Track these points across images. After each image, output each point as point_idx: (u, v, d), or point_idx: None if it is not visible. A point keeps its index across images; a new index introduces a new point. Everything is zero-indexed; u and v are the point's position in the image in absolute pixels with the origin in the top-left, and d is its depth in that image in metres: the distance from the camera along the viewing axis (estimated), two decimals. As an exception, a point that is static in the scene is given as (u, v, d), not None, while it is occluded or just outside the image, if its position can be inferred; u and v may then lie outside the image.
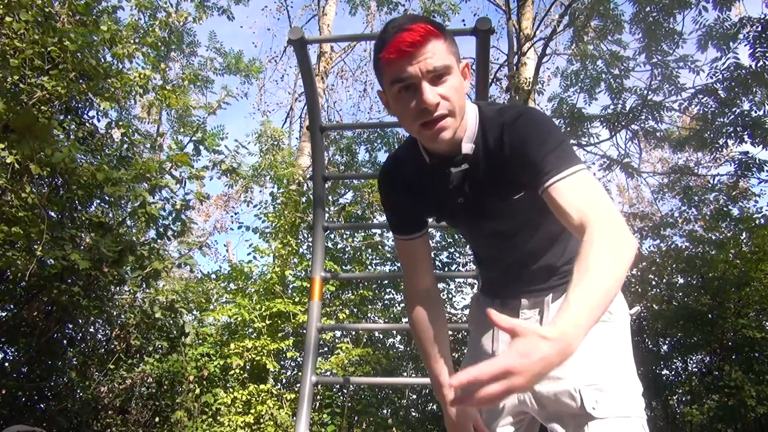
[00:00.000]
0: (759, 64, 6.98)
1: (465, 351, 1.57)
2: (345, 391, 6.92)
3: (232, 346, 6.20)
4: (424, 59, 1.13)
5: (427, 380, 1.67)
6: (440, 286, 7.54)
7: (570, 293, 0.97)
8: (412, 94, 1.16)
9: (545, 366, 0.87)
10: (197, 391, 6.12)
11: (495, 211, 1.32)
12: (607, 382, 1.23)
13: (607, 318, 1.31)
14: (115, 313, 6.15)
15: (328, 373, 6.15)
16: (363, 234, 7.62)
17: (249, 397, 5.98)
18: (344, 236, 7.64)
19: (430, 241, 1.60)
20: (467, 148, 1.25)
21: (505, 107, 1.32)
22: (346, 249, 7.75)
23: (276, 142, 10.90)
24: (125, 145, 5.50)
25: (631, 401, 1.23)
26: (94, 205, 5.43)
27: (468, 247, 7.75)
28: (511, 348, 0.87)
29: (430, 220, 1.48)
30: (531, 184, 1.19)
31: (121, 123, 5.42)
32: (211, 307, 7.11)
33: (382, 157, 10.12)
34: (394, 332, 7.37)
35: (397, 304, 7.69)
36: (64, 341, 5.78)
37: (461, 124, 1.24)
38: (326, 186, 3.24)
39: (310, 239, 7.37)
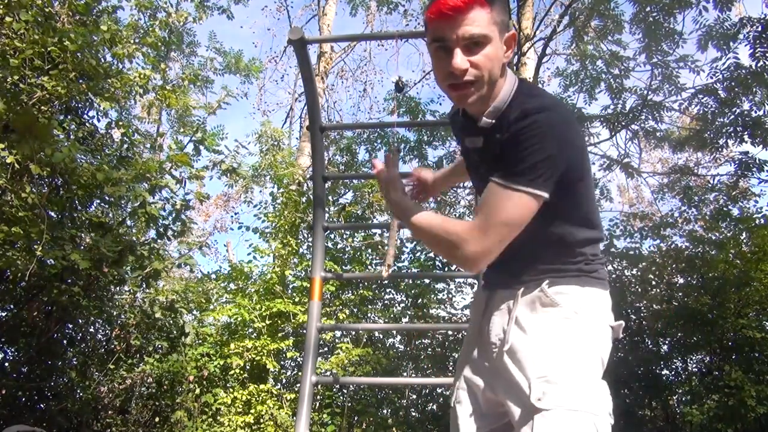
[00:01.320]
0: (759, 64, 6.98)
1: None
2: (345, 391, 6.92)
3: (232, 346, 6.20)
4: (462, 25, 1.18)
5: (427, 380, 1.68)
6: (440, 286, 7.57)
7: (425, 212, 1.34)
8: (447, 55, 1.21)
9: (384, 189, 1.42)
10: (197, 391, 6.11)
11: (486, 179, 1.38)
12: (557, 375, 1.21)
13: (570, 316, 1.30)
14: (115, 313, 6.15)
15: (328, 373, 6.15)
16: (363, 234, 7.62)
17: (249, 397, 5.98)
18: (344, 236, 7.64)
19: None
20: (485, 122, 1.30)
21: (538, 95, 1.32)
22: (346, 249, 7.75)
23: (276, 142, 10.91)
24: (125, 145, 5.50)
25: (582, 396, 1.20)
26: (94, 205, 5.42)
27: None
28: (389, 174, 1.41)
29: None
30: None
31: (121, 123, 5.42)
32: (211, 307, 7.11)
33: (382, 157, 10.10)
34: (394, 332, 7.37)
35: (397, 304, 7.69)
36: (64, 341, 5.78)
37: (492, 93, 1.28)
38: (326, 186, 3.24)
39: (310, 239, 7.37)
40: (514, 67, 8.35)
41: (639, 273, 7.56)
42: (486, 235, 1.21)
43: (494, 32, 1.21)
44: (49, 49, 4.27)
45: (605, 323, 1.35)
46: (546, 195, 1.20)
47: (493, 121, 1.29)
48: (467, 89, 1.23)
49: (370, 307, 7.48)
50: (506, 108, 1.28)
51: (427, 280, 7.47)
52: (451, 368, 7.22)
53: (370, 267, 7.47)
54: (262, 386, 6.06)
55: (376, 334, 7.31)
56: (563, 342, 1.26)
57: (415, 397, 7.31)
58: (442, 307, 7.60)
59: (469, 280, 6.91)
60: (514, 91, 1.29)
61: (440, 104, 9.70)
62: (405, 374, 7.15)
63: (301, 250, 7.36)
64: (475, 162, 1.44)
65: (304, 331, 4.49)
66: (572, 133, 1.28)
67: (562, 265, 1.36)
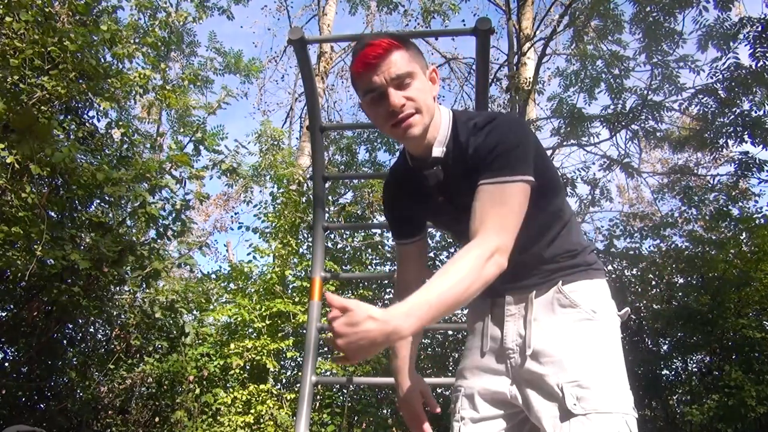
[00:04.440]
0: (759, 64, 6.98)
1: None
2: (345, 391, 6.92)
3: (232, 346, 6.20)
4: (387, 69, 1.28)
5: (427, 380, 1.68)
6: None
7: (422, 287, 1.11)
8: (382, 100, 1.29)
9: (367, 340, 1.00)
10: (197, 391, 6.11)
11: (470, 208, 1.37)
12: (588, 379, 1.24)
13: (590, 317, 1.34)
14: (115, 313, 6.14)
15: (328, 373, 6.15)
16: (363, 234, 7.61)
17: (249, 397, 5.98)
18: (344, 236, 7.64)
19: (429, 242, 1.68)
20: (437, 151, 1.37)
21: (480, 113, 1.45)
22: (346, 249, 7.74)
23: (276, 142, 10.90)
24: (125, 145, 5.50)
25: (613, 398, 1.24)
26: (94, 205, 5.42)
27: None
28: (344, 317, 1.00)
29: (428, 225, 1.62)
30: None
31: (121, 123, 5.42)
32: (211, 307, 7.11)
33: (382, 156, 10.14)
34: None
35: (397, 304, 7.68)
36: (64, 341, 5.78)
37: (432, 125, 1.35)
38: (326, 186, 3.24)
39: (310, 239, 7.37)
40: (514, 67, 8.36)
41: (639, 273, 7.56)
42: (503, 232, 1.22)
43: (416, 68, 1.31)
44: (49, 49, 4.27)
45: (616, 315, 1.41)
46: (532, 178, 1.26)
47: (444, 148, 1.36)
48: (409, 120, 1.29)
49: (370, 307, 7.47)
50: (451, 133, 1.37)
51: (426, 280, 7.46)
52: (451, 368, 7.22)
53: (370, 267, 7.46)
54: (262, 386, 6.05)
55: (376, 334, 7.30)
56: (590, 345, 1.30)
57: (415, 397, 7.30)
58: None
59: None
60: (452, 119, 1.39)
61: (440, 103, 9.69)
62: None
63: (301, 250, 7.36)
64: (440, 201, 1.44)
65: (304, 331, 4.49)
66: (526, 125, 1.39)
67: (568, 261, 1.40)
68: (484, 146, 1.29)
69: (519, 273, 1.38)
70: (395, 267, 7.34)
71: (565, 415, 1.22)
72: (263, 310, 6.36)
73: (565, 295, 1.35)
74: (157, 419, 6.15)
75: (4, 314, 5.23)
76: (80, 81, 4.66)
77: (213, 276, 7.78)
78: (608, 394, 1.23)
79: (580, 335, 1.31)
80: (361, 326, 0.99)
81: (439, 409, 1.41)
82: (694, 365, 7.44)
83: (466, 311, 1.63)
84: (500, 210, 1.23)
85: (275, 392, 6.20)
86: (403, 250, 1.59)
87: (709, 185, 8.93)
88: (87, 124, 5.30)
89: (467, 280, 1.13)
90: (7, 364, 5.28)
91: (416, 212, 1.52)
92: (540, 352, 1.32)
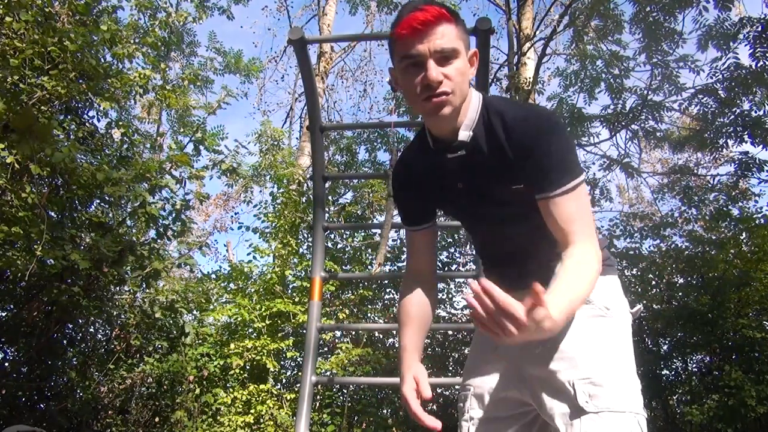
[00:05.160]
0: (759, 64, 6.98)
1: (467, 351, 1.57)
2: (345, 391, 6.91)
3: (232, 346, 6.20)
4: (433, 39, 1.20)
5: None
6: (440, 286, 7.55)
7: (560, 288, 1.11)
8: (419, 70, 1.22)
9: (536, 336, 1.03)
10: (197, 391, 6.11)
11: (493, 196, 1.35)
12: (601, 377, 1.23)
13: (604, 313, 1.33)
14: (115, 313, 6.14)
15: (328, 373, 6.14)
16: (363, 234, 7.61)
17: (249, 397, 5.97)
18: (344, 236, 7.64)
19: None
20: (464, 135, 1.31)
21: (514, 102, 1.39)
22: (346, 249, 7.74)
23: (276, 142, 10.90)
24: (125, 145, 5.50)
25: (626, 397, 1.23)
26: (94, 205, 5.42)
27: (470, 243, 7.75)
28: (527, 311, 0.99)
29: (438, 212, 1.58)
30: (531, 187, 1.26)
31: (121, 123, 5.42)
32: (211, 307, 7.11)
33: (382, 156, 10.11)
34: (394, 332, 7.35)
35: (397, 304, 7.67)
36: (64, 341, 5.78)
37: (462, 108, 1.29)
38: (326, 186, 3.24)
39: (310, 239, 7.37)
40: (514, 67, 8.35)
41: (639, 273, 7.55)
42: (591, 230, 1.25)
43: (461, 47, 1.24)
44: (49, 49, 4.27)
45: (629, 313, 1.41)
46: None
47: (471, 133, 1.31)
48: (443, 98, 1.23)
49: (370, 307, 7.48)
50: (481, 119, 1.31)
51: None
52: (451, 368, 7.22)
53: (370, 267, 7.46)
54: (262, 386, 6.05)
55: (376, 334, 7.30)
56: (603, 342, 1.29)
57: (415, 397, 7.30)
58: (442, 306, 7.59)
59: (469, 280, 6.90)
60: (483, 103, 1.33)
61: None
62: (405, 374, 7.13)
63: (301, 250, 7.36)
64: (459, 188, 1.38)
65: (304, 331, 4.49)
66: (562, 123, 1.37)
67: None
68: (535, 146, 1.23)
69: (531, 269, 1.37)
70: (395, 267, 7.31)
71: (577, 412, 1.21)
72: (263, 310, 6.36)
73: None
74: (157, 419, 6.15)
75: (4, 314, 5.23)
76: (80, 81, 4.66)
77: (213, 276, 7.79)
78: (621, 392, 1.22)
79: (593, 332, 1.30)
80: (542, 325, 1.01)
81: (429, 395, 1.34)
82: (694, 365, 7.43)
83: (467, 311, 1.62)
84: (582, 211, 1.24)
85: (275, 392, 6.19)
86: (414, 237, 1.54)
87: (709, 185, 8.93)
88: (87, 124, 5.29)
89: (593, 282, 1.18)
90: (7, 364, 5.28)
91: (428, 198, 1.48)
92: (552, 348, 1.30)
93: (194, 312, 6.97)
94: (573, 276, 1.15)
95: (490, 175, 1.31)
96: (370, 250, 7.64)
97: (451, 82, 1.22)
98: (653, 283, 7.65)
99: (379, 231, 7.51)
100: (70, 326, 5.78)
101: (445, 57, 1.21)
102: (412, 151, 1.48)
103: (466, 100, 1.30)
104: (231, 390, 6.20)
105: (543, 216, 1.26)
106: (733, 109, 7.49)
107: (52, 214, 4.75)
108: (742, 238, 7.35)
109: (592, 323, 1.31)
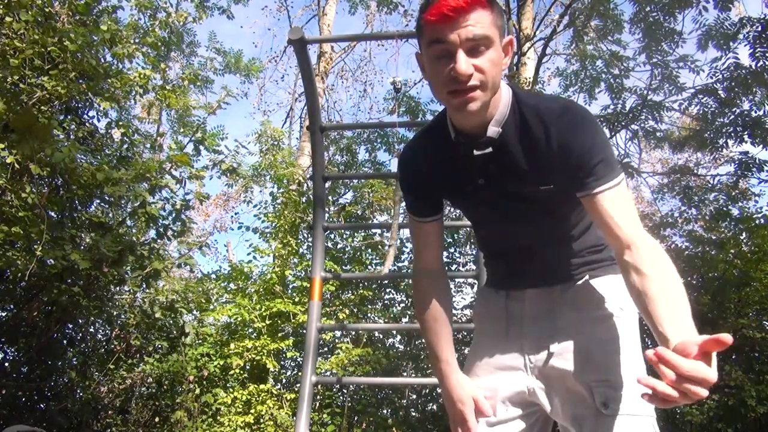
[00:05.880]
0: (759, 64, 6.97)
1: (467, 351, 1.55)
2: (345, 391, 6.92)
3: (232, 346, 6.20)
4: (465, 26, 1.10)
5: (426, 380, 1.67)
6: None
7: (673, 309, 1.04)
8: (448, 59, 1.13)
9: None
10: (197, 391, 6.11)
11: (516, 196, 1.29)
12: (617, 379, 1.22)
13: (618, 314, 1.30)
14: (115, 313, 6.14)
15: (328, 373, 6.15)
16: (363, 234, 7.62)
17: (249, 397, 5.98)
18: (344, 236, 7.64)
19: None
20: (493, 131, 1.22)
21: (547, 97, 1.32)
22: (346, 249, 7.75)
23: (276, 142, 10.90)
24: (125, 145, 5.50)
25: (640, 399, 1.22)
26: (94, 205, 5.42)
27: (471, 242, 7.75)
28: (706, 365, 0.91)
29: (445, 204, 1.50)
30: (571, 184, 1.21)
31: (121, 123, 5.42)
32: (211, 307, 7.11)
33: (382, 156, 10.12)
34: (394, 332, 7.37)
35: (397, 304, 7.68)
36: (64, 341, 5.78)
37: (492, 102, 1.20)
38: (326, 186, 3.24)
39: (310, 239, 7.37)
40: (514, 68, 8.35)
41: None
42: (639, 225, 1.20)
43: (495, 35, 1.14)
44: (49, 49, 4.27)
45: (637, 312, 1.36)
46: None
47: (500, 129, 1.22)
48: (471, 94, 1.13)
49: (370, 307, 7.48)
50: (512, 115, 1.23)
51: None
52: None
53: (370, 267, 7.47)
54: (262, 386, 6.06)
55: (376, 334, 7.31)
56: (617, 343, 1.26)
57: (415, 397, 7.31)
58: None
59: (469, 280, 6.91)
60: (514, 98, 1.25)
61: (440, 103, 9.69)
62: (405, 374, 7.15)
63: (301, 250, 7.36)
64: (479, 183, 1.30)
65: (304, 331, 4.49)
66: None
67: (594, 255, 1.36)
68: (577, 143, 1.18)
69: (544, 267, 1.35)
70: (395, 267, 7.28)
71: (593, 414, 1.20)
72: (263, 310, 6.36)
73: (591, 291, 1.31)
74: (157, 419, 6.15)
75: (4, 314, 5.23)
76: (80, 81, 4.66)
77: (213, 276, 7.79)
78: (637, 395, 1.18)
79: (607, 333, 1.27)
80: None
81: (491, 413, 1.30)
82: (694, 365, 7.43)
83: (467, 312, 1.61)
84: (630, 209, 1.21)
85: (275, 392, 6.20)
86: (423, 228, 1.43)
87: (709, 185, 8.93)
88: (87, 124, 5.29)
89: (680, 287, 1.09)
90: (7, 364, 5.28)
91: (441, 189, 1.39)
92: (565, 348, 1.28)
93: (194, 312, 6.97)
94: (676, 295, 1.06)
95: (518, 175, 1.24)
96: (370, 250, 7.64)
97: (482, 74, 1.12)
98: (653, 283, 7.65)
99: (379, 231, 7.53)
100: (70, 326, 5.78)
101: (476, 46, 1.11)
102: (427, 139, 1.37)
103: (497, 93, 1.20)
104: (231, 390, 6.20)
105: (589, 213, 1.21)
106: (733, 109, 7.48)
107: (52, 214, 4.75)
108: (742, 238, 7.35)
109: (605, 323, 1.29)
